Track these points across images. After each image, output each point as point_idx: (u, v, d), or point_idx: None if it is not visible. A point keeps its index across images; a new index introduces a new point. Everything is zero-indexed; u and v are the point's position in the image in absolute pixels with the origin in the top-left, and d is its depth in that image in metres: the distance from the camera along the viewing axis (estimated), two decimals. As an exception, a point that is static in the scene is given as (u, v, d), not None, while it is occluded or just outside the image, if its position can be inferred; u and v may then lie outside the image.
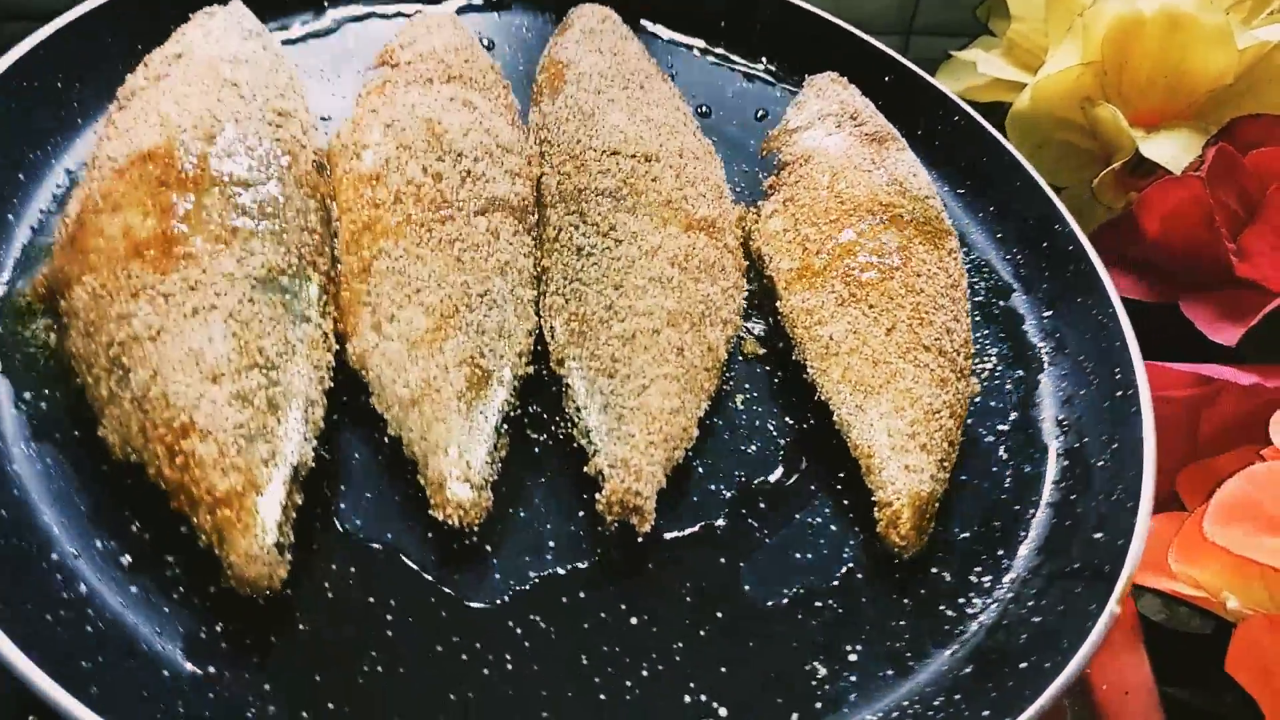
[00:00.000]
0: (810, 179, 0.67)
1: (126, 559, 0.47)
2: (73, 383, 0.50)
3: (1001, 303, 0.72)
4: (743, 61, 0.85)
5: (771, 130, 0.74)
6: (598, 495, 0.51)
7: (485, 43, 0.78)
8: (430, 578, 0.50)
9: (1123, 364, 0.64)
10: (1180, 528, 0.57)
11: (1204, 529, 0.54)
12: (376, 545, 0.50)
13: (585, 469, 0.53)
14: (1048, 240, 0.73)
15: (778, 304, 0.63)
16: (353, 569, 0.49)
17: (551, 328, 0.56)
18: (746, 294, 0.63)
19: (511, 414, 0.54)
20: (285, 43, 0.73)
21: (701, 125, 0.78)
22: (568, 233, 0.58)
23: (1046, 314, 0.71)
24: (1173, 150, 0.70)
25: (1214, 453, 0.62)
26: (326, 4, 0.76)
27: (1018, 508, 0.60)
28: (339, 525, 0.51)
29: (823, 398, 0.59)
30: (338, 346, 0.53)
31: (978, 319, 0.71)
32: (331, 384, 0.52)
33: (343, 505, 0.51)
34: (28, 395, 0.51)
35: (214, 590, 0.46)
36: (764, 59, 0.85)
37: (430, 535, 0.51)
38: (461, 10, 0.81)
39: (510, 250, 0.57)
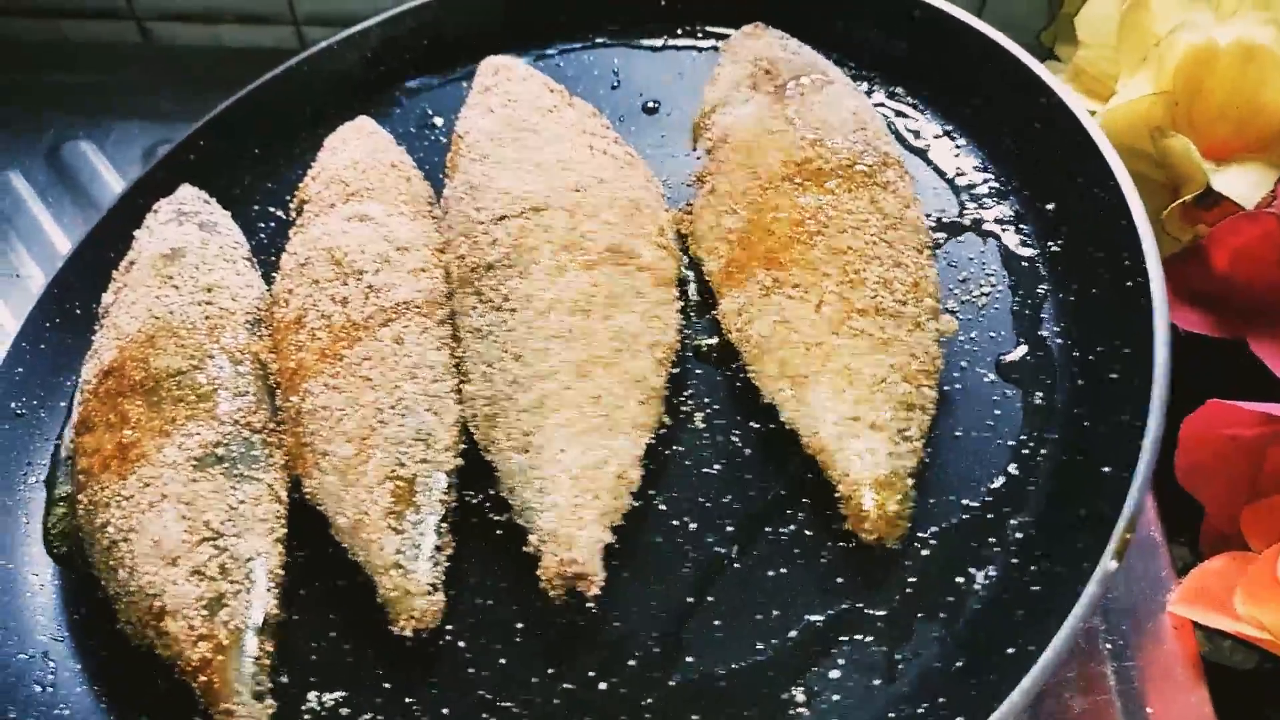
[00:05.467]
0: (728, 162, 0.62)
1: (159, 728, 0.54)
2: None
3: (998, 206, 0.64)
4: (690, 38, 0.81)
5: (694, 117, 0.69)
6: (538, 572, 0.52)
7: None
8: (405, 682, 0.52)
9: (1131, 247, 0.55)
10: (1246, 569, 0.53)
11: (1278, 572, 0.51)
12: (351, 660, 0.54)
13: (524, 549, 0.53)
14: (1040, 121, 0.63)
15: (715, 312, 0.60)
16: (336, 692, 0.53)
17: (473, 416, 0.57)
18: (680, 305, 0.61)
19: (454, 507, 0.55)
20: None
21: (649, 122, 0.76)
22: (468, 317, 0.59)
23: (1049, 206, 0.62)
24: (1245, 184, 0.64)
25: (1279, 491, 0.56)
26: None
27: (1028, 449, 0.53)
28: (317, 652, 0.54)
29: (767, 399, 0.55)
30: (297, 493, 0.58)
31: (972, 238, 0.63)
32: (285, 530, 0.56)
33: (318, 629, 0.55)
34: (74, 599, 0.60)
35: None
36: (706, 25, 0.80)
37: (408, 644, 0.53)
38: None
39: (418, 351, 0.58)
